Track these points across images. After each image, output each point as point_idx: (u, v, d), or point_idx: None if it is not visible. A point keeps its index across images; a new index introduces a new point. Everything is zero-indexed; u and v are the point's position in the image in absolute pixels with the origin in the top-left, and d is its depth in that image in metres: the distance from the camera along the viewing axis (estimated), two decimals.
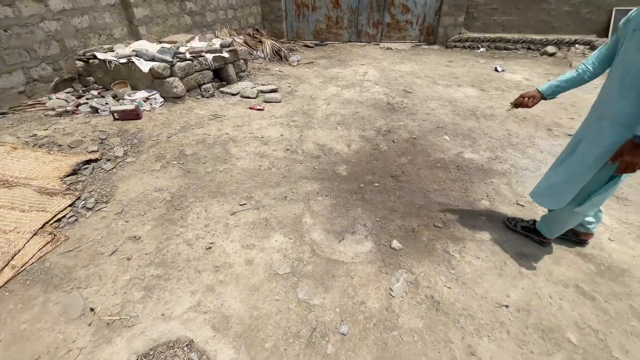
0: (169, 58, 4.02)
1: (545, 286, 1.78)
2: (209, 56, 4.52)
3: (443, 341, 1.51)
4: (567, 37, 6.79)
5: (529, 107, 1.82)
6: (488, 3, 7.23)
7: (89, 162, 2.75)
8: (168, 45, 4.55)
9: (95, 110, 3.64)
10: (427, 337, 1.52)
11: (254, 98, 4.48)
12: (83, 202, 2.36)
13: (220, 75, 4.92)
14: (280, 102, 4.42)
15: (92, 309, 1.64)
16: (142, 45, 4.64)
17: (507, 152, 3.17)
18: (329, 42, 8.28)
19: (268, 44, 6.95)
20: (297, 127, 3.69)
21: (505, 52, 6.99)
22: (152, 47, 4.55)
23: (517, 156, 3.09)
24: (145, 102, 3.85)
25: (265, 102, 4.38)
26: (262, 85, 4.96)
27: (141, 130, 3.37)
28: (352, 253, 1.99)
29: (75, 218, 2.23)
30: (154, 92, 4.00)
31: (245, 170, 2.83)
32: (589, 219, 1.90)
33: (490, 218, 2.29)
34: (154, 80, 3.99)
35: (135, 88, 4.10)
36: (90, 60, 4.18)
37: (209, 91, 4.48)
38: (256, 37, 7.54)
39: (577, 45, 6.67)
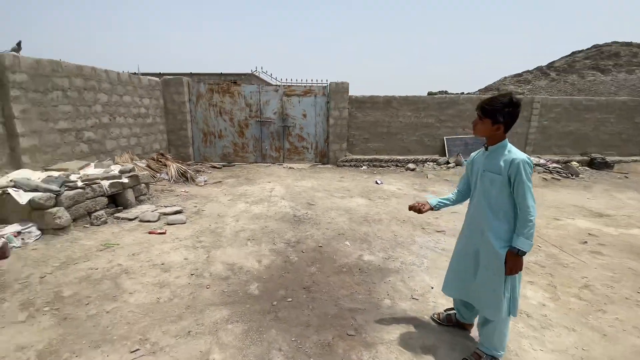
0: (55, 187, 3.66)
1: None
2: (105, 183, 4.29)
3: None
4: (420, 157, 8.96)
5: (421, 212, 2.16)
6: (362, 134, 9.22)
7: None
8: (56, 174, 4.19)
9: None
10: None
11: (155, 221, 4.24)
12: None
13: (116, 201, 4.61)
14: (185, 223, 4.28)
15: None
16: (23, 174, 4.16)
17: (396, 251, 3.64)
18: (236, 163, 8.87)
19: (173, 166, 7.01)
20: (204, 247, 3.55)
21: (381, 169, 8.65)
22: (36, 176, 4.11)
23: (405, 253, 3.57)
24: (15, 237, 3.23)
25: (168, 224, 4.18)
26: (165, 207, 4.79)
27: (5, 273, 2.72)
28: None
29: None
30: (30, 224, 3.44)
31: (140, 306, 2.47)
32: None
33: (394, 316, 2.45)
34: (33, 211, 3.48)
35: (6, 222, 3.46)
36: None
37: (100, 218, 4.07)
38: (161, 161, 7.55)
39: (428, 162, 8.80)
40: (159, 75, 12.00)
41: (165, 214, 4.41)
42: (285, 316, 2.41)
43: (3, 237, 3.17)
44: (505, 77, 18.17)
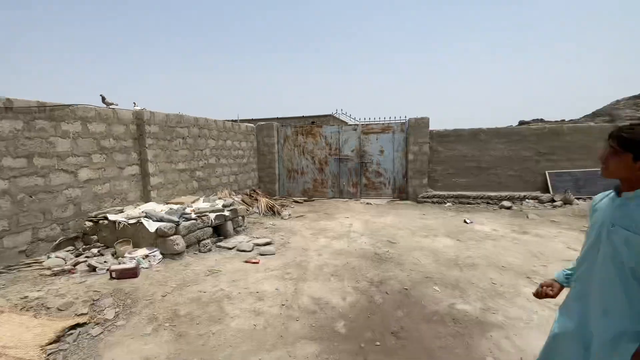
0: (175, 218, 4.39)
1: None
2: (212, 215, 4.96)
3: None
4: (517, 194, 8.00)
5: (553, 296, 1.60)
6: (445, 169, 8.79)
7: (76, 326, 2.59)
8: (176, 206, 5.05)
9: (92, 269, 3.66)
10: None
11: (250, 251, 4.67)
12: None
13: (219, 231, 5.25)
14: (274, 254, 4.61)
15: None
16: (152, 206, 5.12)
17: (497, 302, 3.24)
18: (316, 198, 9.30)
19: (263, 201, 7.74)
20: (292, 279, 3.75)
21: (469, 206, 7.98)
22: (159, 208, 5.02)
23: (507, 306, 3.15)
24: (144, 259, 3.94)
25: (260, 254, 4.55)
26: (257, 238, 5.25)
27: (136, 289, 3.33)
28: None
29: None
30: (155, 249, 4.16)
31: (240, 330, 2.71)
32: None
33: None
34: (158, 238, 4.22)
35: (137, 246, 4.27)
36: (100, 221, 4.50)
37: (207, 247, 4.68)
38: (252, 196, 8.43)
39: (527, 200, 7.79)
40: (250, 121, 13.77)
41: (257, 244, 4.84)
42: None
43: (134, 259, 3.90)
44: (618, 101, 15.50)
